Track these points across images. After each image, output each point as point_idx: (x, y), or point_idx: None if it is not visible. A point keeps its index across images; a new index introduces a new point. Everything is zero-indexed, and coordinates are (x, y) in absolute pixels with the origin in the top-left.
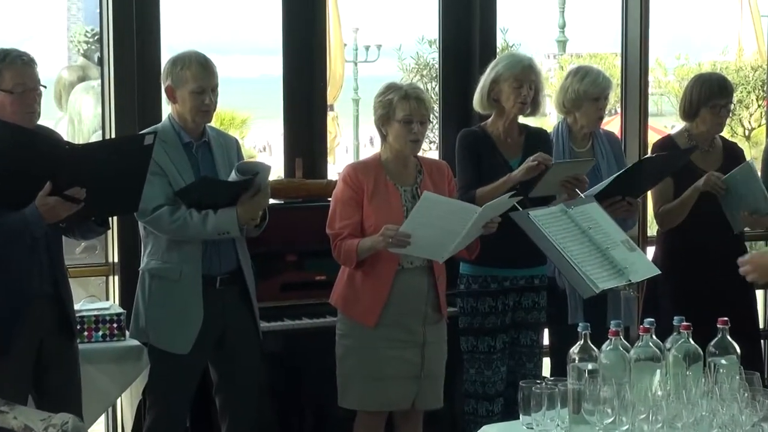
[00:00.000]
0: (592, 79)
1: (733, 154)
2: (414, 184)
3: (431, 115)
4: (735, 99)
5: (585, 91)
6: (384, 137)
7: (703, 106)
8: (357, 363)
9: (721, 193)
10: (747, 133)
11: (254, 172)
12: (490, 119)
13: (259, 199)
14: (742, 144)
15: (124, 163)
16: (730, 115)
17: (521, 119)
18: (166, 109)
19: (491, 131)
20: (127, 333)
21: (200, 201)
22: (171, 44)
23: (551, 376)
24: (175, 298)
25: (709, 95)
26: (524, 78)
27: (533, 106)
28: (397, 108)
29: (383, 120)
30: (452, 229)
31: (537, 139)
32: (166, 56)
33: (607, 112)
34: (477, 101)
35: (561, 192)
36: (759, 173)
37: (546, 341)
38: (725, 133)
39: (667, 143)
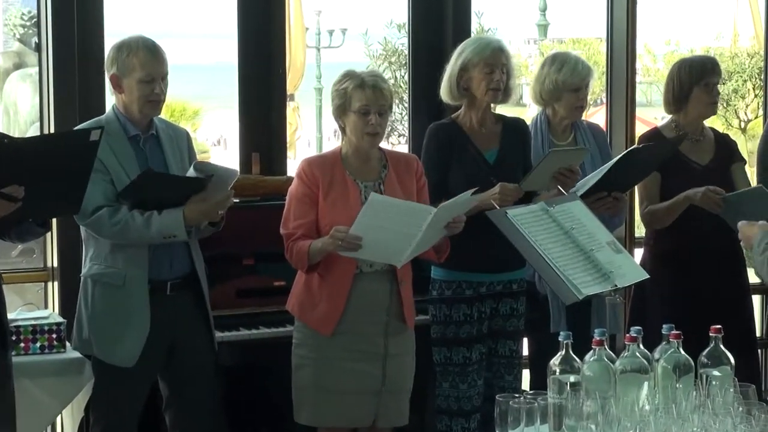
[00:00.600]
0: (570, 67)
1: (725, 147)
2: (377, 179)
3: (395, 106)
4: (730, 89)
5: (564, 81)
6: (343, 129)
7: (696, 85)
8: (312, 375)
9: (717, 211)
10: (743, 125)
11: (209, 174)
12: (461, 111)
13: (210, 205)
14: (738, 137)
15: (67, 160)
16: (725, 105)
17: (497, 109)
18: (111, 99)
19: (463, 123)
20: (68, 344)
21: (145, 199)
22: (115, 28)
23: (531, 389)
24: (120, 305)
25: (701, 72)
26: (495, 62)
27: (504, 93)
28: (353, 97)
29: (340, 111)
30: (407, 232)
31: (514, 129)
32: (109, 42)
33: (592, 102)
34: (445, 92)
35: (551, 186)
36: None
37: (525, 351)
38: (719, 126)
39: (654, 136)
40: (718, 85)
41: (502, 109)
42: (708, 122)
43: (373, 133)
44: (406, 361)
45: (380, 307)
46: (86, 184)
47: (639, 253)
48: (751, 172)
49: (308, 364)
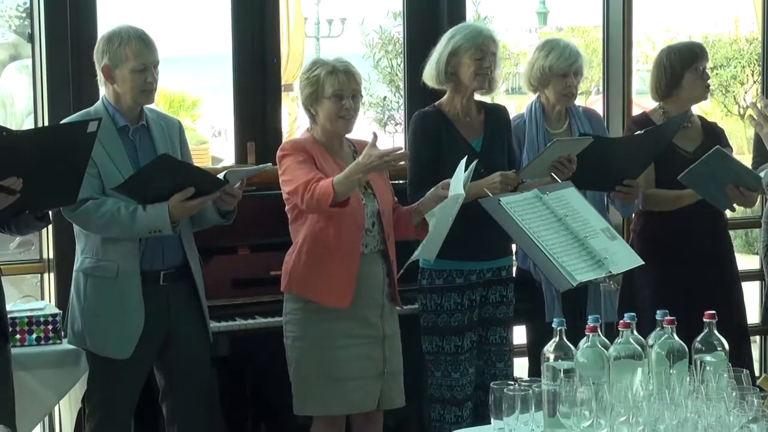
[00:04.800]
0: (558, 53)
1: (713, 134)
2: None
3: (391, 94)
4: (729, 75)
5: (551, 66)
6: (313, 117)
7: (687, 69)
8: (315, 365)
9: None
10: (742, 111)
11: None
12: (444, 98)
13: (195, 202)
14: (737, 124)
15: (64, 152)
16: (724, 92)
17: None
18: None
19: (448, 110)
20: (64, 337)
21: (146, 192)
22: (108, 17)
23: (529, 377)
24: (113, 298)
25: (691, 57)
26: (486, 49)
27: (490, 83)
28: (326, 83)
29: (312, 99)
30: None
31: (497, 116)
32: (103, 31)
33: (593, 91)
34: (432, 75)
35: (546, 174)
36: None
37: (519, 339)
38: (717, 113)
39: (644, 120)
40: (707, 70)
41: (502, 99)
42: (708, 109)
43: (347, 117)
44: (399, 341)
45: (377, 288)
46: (83, 176)
47: None
48: (749, 159)
49: (309, 354)
